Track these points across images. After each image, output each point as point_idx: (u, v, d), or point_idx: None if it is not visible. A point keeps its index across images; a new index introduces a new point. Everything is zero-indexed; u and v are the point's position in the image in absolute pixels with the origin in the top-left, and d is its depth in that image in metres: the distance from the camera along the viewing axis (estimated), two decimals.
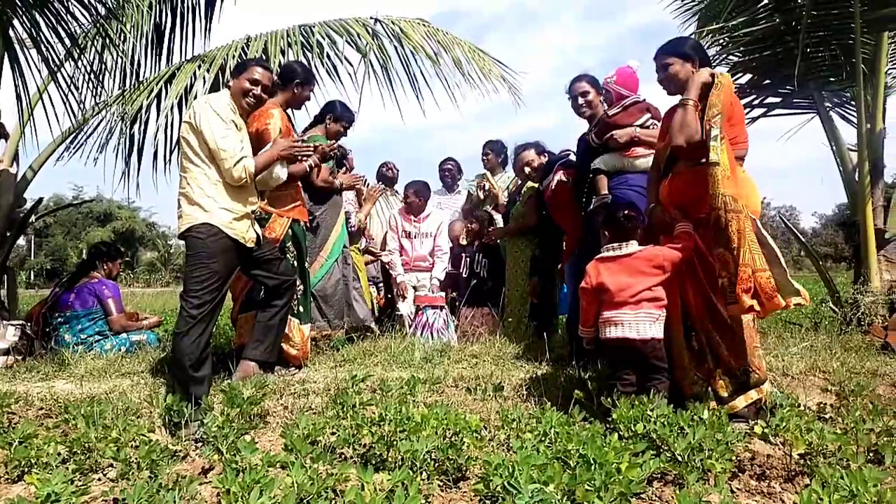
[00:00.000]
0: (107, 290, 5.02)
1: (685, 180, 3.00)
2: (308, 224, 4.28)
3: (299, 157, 3.75)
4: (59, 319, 4.86)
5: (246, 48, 5.72)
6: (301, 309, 4.05)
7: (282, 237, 3.93)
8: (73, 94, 5.19)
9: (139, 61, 5.86)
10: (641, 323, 2.89)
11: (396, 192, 6.18)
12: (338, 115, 4.60)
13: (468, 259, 5.57)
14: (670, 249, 2.96)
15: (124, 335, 4.95)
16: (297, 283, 4.02)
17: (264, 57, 5.60)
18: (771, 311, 2.76)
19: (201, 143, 3.22)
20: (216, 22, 5.88)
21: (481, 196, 5.63)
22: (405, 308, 5.52)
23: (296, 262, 4.03)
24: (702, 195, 2.89)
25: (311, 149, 3.85)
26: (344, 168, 5.20)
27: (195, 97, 5.32)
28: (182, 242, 3.37)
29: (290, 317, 3.92)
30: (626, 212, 3.09)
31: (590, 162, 4.01)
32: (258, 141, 3.69)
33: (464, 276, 5.57)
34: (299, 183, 4.17)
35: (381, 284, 5.93)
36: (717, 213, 2.72)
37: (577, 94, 4.14)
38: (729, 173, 2.72)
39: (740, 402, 2.88)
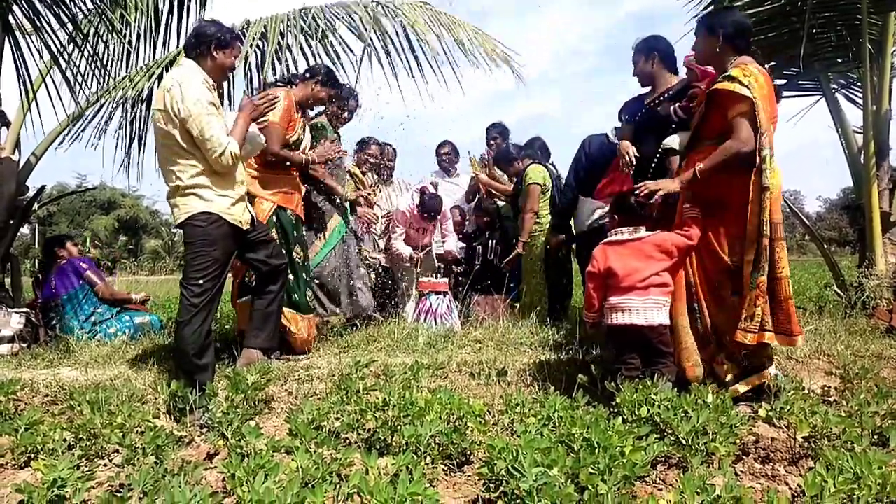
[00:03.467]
0: (83, 263, 5.11)
1: (704, 158, 2.95)
2: (302, 217, 4.19)
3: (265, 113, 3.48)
4: (56, 307, 4.88)
5: (244, 32, 5.68)
6: (296, 297, 4.00)
7: (265, 222, 3.83)
8: (75, 79, 5.17)
9: (140, 47, 5.83)
10: (649, 310, 2.89)
11: (391, 181, 6.13)
12: (324, 81, 4.25)
13: (481, 248, 5.60)
14: (678, 235, 2.95)
15: (127, 318, 4.99)
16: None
17: (265, 43, 5.60)
18: (792, 345, 2.86)
19: (183, 132, 3.06)
20: (210, 6, 5.85)
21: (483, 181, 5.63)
22: (409, 310, 5.49)
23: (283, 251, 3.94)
24: (725, 181, 2.89)
25: (275, 100, 3.53)
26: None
27: None
28: (180, 231, 3.30)
29: (285, 309, 3.91)
30: (637, 197, 3.07)
31: (647, 129, 3.69)
32: None
33: (478, 264, 5.60)
34: (294, 172, 4.11)
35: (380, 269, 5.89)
36: (764, 241, 2.72)
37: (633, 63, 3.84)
38: (778, 194, 2.74)
39: (742, 387, 2.89)
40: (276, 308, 3.69)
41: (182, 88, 3.04)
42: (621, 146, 3.69)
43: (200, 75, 3.17)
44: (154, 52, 5.94)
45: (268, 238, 3.60)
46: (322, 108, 4.59)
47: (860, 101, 5.54)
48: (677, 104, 3.53)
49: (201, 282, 3.10)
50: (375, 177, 5.96)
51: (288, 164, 4.01)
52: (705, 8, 5.87)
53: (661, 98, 3.68)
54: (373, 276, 5.52)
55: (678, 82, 3.68)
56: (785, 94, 6.29)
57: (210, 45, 3.23)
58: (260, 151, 3.78)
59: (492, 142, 5.95)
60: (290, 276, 3.97)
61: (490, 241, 5.61)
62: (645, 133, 3.67)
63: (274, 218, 3.92)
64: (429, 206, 5.25)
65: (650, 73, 3.74)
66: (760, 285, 2.73)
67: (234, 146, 3.14)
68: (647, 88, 3.86)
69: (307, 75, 4.24)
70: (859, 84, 5.75)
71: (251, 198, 3.83)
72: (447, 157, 6.26)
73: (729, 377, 2.94)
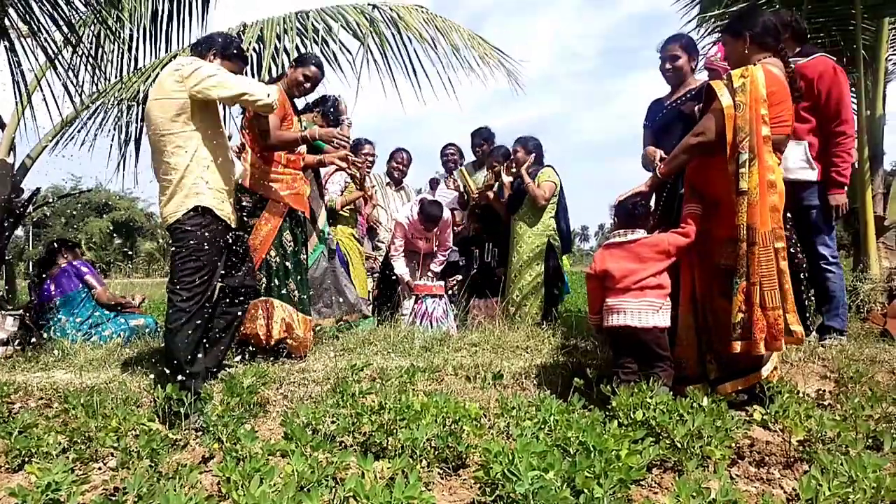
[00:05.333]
0: (84, 267, 5.10)
1: (702, 158, 2.96)
2: (309, 216, 4.17)
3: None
4: (52, 310, 4.87)
5: (242, 35, 5.68)
6: (303, 297, 3.99)
7: (279, 226, 3.82)
8: (71, 82, 5.16)
9: (136, 49, 5.84)
10: (644, 311, 2.89)
11: (403, 186, 6.17)
12: (298, 61, 4.12)
13: (478, 251, 5.61)
14: (675, 235, 2.96)
15: (123, 320, 4.98)
16: (291, 276, 3.92)
17: (261, 45, 5.60)
18: (753, 352, 2.76)
19: (192, 109, 3.01)
20: (213, 9, 5.86)
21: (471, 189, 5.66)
22: (405, 312, 5.49)
23: (295, 250, 3.94)
24: (715, 178, 2.88)
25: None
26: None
27: None
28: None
29: (291, 308, 3.90)
30: (636, 199, 3.09)
31: (670, 129, 3.66)
32: None
33: (474, 267, 5.62)
34: (300, 173, 4.07)
35: (377, 275, 5.89)
36: (741, 245, 2.68)
37: (667, 56, 3.73)
38: (756, 199, 2.66)
39: (726, 388, 2.91)
40: (233, 331, 3.50)
41: (194, 64, 3.03)
42: (648, 152, 3.63)
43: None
44: (154, 55, 5.95)
45: (245, 249, 3.49)
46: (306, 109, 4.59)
47: (854, 106, 5.56)
48: (700, 104, 3.45)
49: (192, 286, 3.00)
50: (383, 178, 6.00)
51: (292, 159, 3.97)
52: (700, 12, 5.91)
53: (685, 97, 3.67)
54: (370, 282, 5.53)
55: (700, 83, 3.69)
56: None
57: (210, 48, 3.26)
58: (258, 147, 3.81)
59: (477, 148, 5.97)
60: (299, 277, 3.96)
61: (486, 244, 5.62)
62: (668, 132, 3.64)
63: (287, 220, 3.89)
64: (429, 214, 5.25)
65: (687, 71, 3.73)
66: (741, 291, 2.71)
67: (266, 88, 3.16)
68: (664, 90, 3.86)
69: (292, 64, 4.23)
70: (853, 89, 5.77)
71: (263, 201, 3.83)
72: (452, 157, 6.28)
73: (713, 375, 2.97)
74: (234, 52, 3.33)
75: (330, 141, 4.11)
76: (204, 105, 3.10)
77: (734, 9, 5.26)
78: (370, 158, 5.57)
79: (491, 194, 5.48)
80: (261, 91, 3.10)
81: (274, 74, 5.60)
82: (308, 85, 4.05)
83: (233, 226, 3.25)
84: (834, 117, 3.72)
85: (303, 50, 5.79)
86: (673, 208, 3.31)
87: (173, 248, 3.10)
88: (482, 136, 5.95)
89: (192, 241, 3.03)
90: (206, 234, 3.06)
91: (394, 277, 5.63)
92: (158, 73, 5.68)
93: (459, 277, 5.72)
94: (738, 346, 2.73)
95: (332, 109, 4.61)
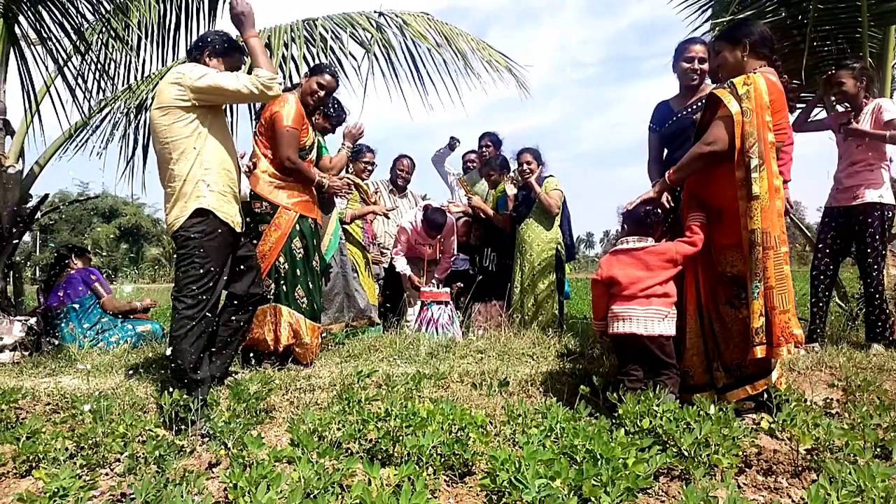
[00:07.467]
0: (92, 275, 5.15)
1: (705, 167, 2.95)
2: (321, 223, 4.17)
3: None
4: (60, 316, 4.89)
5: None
6: (313, 306, 3.99)
7: (288, 233, 3.82)
8: (80, 88, 5.20)
9: (144, 57, 5.88)
10: (650, 319, 2.89)
11: (406, 193, 6.19)
12: (312, 70, 4.18)
13: (478, 257, 5.65)
14: (682, 243, 2.95)
15: (130, 327, 5.00)
16: (299, 282, 3.91)
17: (268, 53, 5.62)
18: (775, 357, 2.76)
19: (196, 114, 3.07)
20: (220, 17, 5.89)
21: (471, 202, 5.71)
22: (411, 319, 5.50)
23: (304, 257, 3.92)
24: (719, 187, 2.88)
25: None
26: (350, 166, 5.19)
27: None
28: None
29: (299, 314, 3.90)
30: (647, 207, 3.08)
31: (681, 136, 3.60)
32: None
33: (473, 272, 5.64)
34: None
35: (382, 281, 5.90)
36: (757, 249, 2.67)
37: (694, 56, 3.65)
38: (768, 203, 2.67)
39: (734, 396, 2.90)
40: (240, 338, 3.52)
41: (195, 71, 3.08)
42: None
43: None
44: (162, 62, 6.00)
45: (252, 254, 3.49)
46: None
47: None
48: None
49: (196, 293, 3.00)
50: (388, 184, 6.02)
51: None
52: (707, 19, 5.92)
53: (699, 105, 3.59)
54: (377, 287, 5.54)
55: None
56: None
57: (204, 50, 3.27)
58: (276, 157, 3.83)
59: (484, 149, 6.03)
60: (309, 284, 3.95)
61: (485, 249, 5.64)
62: (680, 140, 3.60)
63: (297, 227, 3.87)
64: (432, 221, 5.26)
65: (705, 75, 3.70)
66: (761, 295, 2.69)
67: (262, 74, 3.12)
68: (666, 94, 3.86)
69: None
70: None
71: (274, 207, 3.83)
72: (472, 164, 6.38)
73: (721, 383, 2.97)
74: (228, 46, 3.32)
75: (338, 192, 4.27)
76: (207, 110, 3.13)
77: (741, 17, 5.27)
78: (369, 167, 5.59)
79: (488, 207, 5.53)
80: (256, 80, 3.09)
81: (279, 82, 5.64)
82: (322, 93, 4.05)
83: (238, 230, 3.24)
84: None
85: (309, 58, 5.82)
86: (676, 216, 3.31)
87: (177, 256, 3.11)
88: (489, 139, 6.03)
89: (195, 249, 3.03)
90: (210, 240, 3.06)
91: (390, 290, 5.66)
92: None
93: (461, 284, 5.73)
94: (759, 352, 2.69)
95: (333, 109, 4.62)
